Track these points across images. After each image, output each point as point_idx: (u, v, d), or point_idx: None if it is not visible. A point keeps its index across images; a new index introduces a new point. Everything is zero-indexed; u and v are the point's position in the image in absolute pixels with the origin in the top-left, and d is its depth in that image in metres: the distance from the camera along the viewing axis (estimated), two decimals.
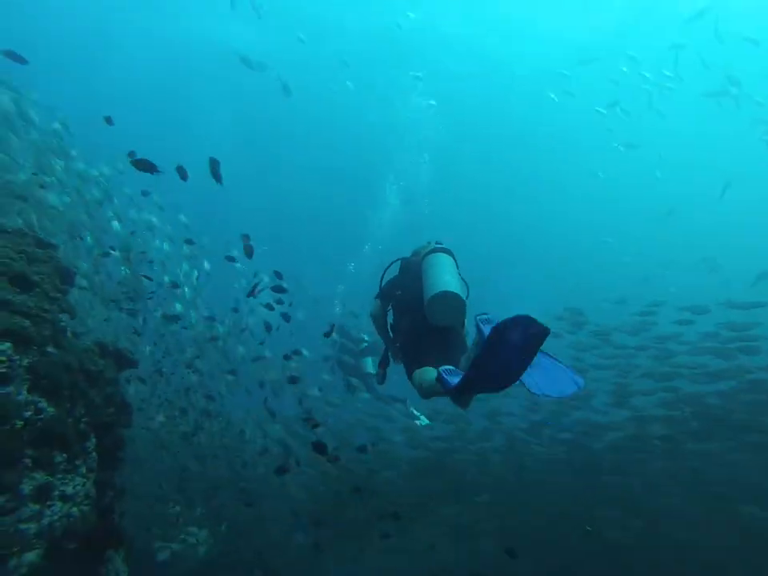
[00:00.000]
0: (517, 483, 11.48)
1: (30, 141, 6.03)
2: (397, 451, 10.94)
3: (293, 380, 6.04)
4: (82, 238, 5.71)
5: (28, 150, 5.96)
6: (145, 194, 6.28)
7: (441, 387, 2.35)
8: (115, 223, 6.63)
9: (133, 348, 4.66)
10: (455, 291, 2.85)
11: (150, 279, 6.06)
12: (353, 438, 9.83)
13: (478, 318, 2.61)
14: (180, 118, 21.60)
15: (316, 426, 6.01)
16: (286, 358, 6.32)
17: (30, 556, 2.15)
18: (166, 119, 21.61)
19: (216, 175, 4.25)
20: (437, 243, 3.25)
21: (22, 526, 2.16)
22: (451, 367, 2.41)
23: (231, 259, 6.02)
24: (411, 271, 3.25)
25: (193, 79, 20.51)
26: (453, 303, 2.86)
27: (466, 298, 2.95)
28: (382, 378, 3.47)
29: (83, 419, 3.07)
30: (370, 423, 10.46)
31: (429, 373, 2.61)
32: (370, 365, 8.82)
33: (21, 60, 4.84)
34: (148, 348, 7.39)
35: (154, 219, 7.52)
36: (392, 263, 3.58)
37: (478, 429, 10.99)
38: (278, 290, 5.55)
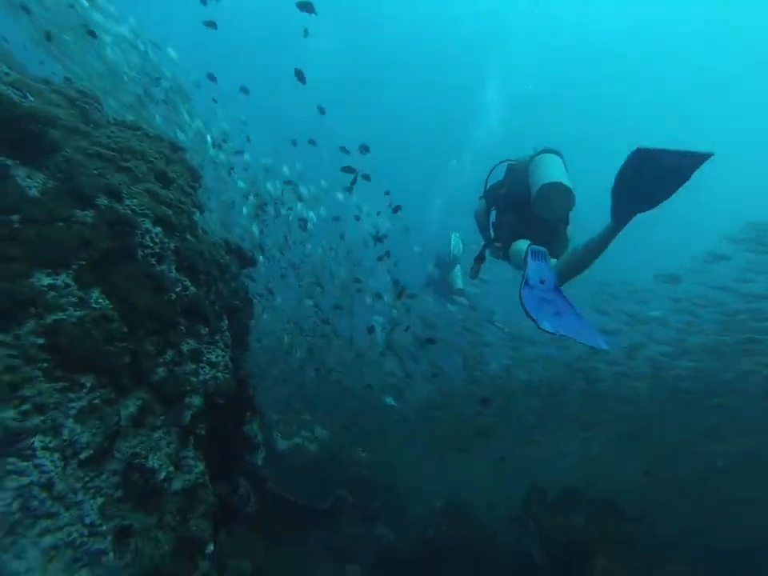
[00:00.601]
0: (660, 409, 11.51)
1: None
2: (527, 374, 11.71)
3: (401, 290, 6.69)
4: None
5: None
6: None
7: (523, 266, 2.49)
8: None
9: (253, 250, 5.50)
10: (565, 182, 2.97)
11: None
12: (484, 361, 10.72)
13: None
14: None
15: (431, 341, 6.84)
16: (378, 241, 6.91)
17: (196, 400, 2.88)
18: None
19: (300, 77, 5.67)
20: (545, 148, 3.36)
21: (187, 377, 2.88)
22: (545, 249, 2.50)
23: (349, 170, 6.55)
24: (518, 171, 3.46)
25: None
26: (562, 194, 2.99)
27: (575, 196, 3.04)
28: (476, 272, 3.92)
29: (216, 303, 3.80)
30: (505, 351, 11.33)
31: (523, 243, 2.81)
32: (459, 278, 9.27)
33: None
34: (262, 259, 8.55)
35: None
36: (496, 165, 3.83)
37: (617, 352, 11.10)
38: (349, 170, 6.09)
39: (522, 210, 3.23)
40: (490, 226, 3.82)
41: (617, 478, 10.89)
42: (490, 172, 3.84)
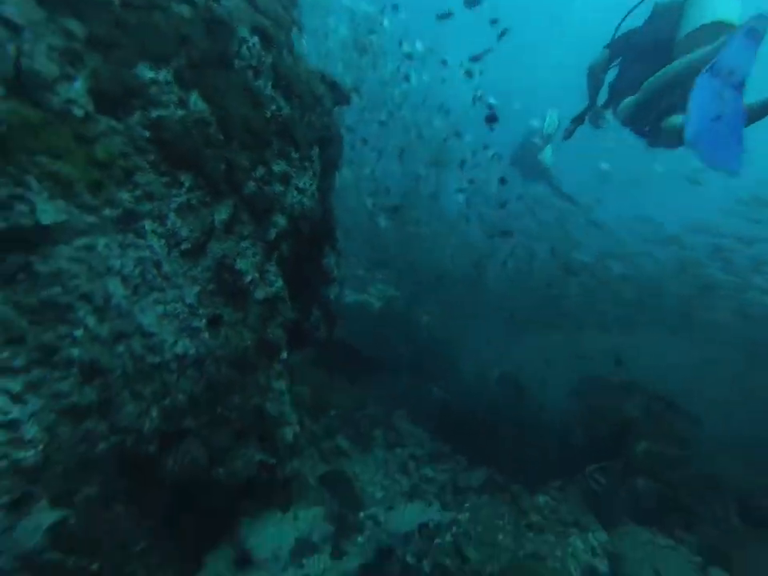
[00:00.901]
0: None
1: None
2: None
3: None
4: None
5: None
6: None
7: (719, 48, 2.12)
8: None
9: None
10: (732, 22, 2.37)
11: None
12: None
13: None
14: None
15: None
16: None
17: (282, 220, 3.11)
18: None
19: None
20: None
21: (276, 197, 3.10)
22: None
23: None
24: (668, 11, 2.85)
25: None
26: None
27: None
28: (570, 133, 3.74)
29: (308, 132, 3.86)
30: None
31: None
32: (549, 157, 8.89)
33: None
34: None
35: None
36: (637, 5, 3.14)
37: None
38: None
39: (659, 62, 2.64)
40: (603, 84, 3.40)
41: (698, 387, 10.70)
42: (628, 13, 3.22)
